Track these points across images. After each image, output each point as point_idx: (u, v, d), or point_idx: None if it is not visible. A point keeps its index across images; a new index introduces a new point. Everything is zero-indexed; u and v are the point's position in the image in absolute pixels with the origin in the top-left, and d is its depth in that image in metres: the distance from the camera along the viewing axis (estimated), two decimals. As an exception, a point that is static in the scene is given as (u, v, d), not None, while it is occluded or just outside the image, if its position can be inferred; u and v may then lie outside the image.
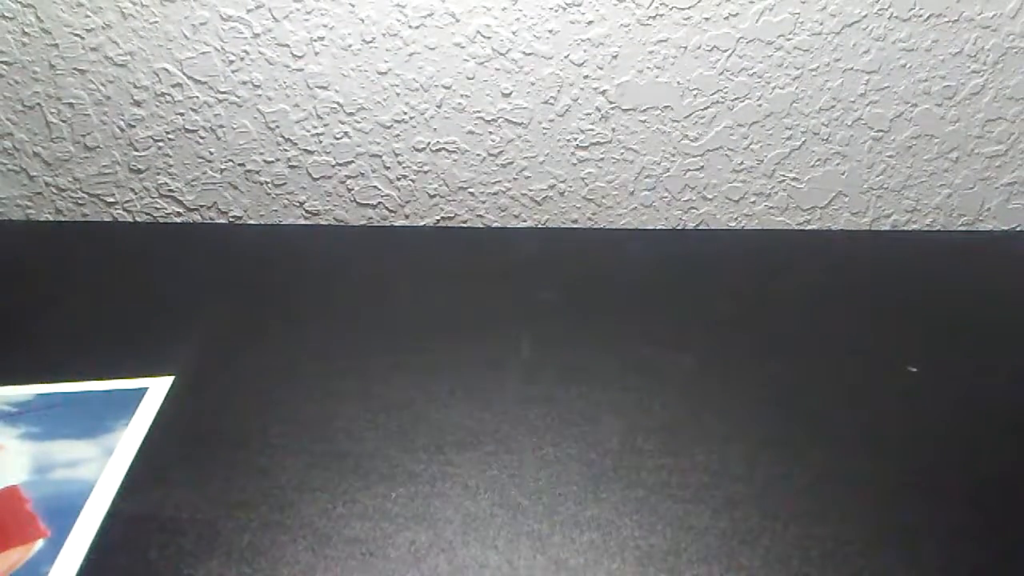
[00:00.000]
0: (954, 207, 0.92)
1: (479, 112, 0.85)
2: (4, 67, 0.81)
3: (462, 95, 0.84)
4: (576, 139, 0.86)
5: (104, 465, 0.53)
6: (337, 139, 0.85)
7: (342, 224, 0.89)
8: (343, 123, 0.84)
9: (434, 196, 0.88)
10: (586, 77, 0.84)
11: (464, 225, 0.90)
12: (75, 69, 0.81)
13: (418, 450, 0.56)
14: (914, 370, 0.66)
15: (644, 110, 0.85)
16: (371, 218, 0.89)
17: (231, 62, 0.82)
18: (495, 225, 0.90)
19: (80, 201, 0.87)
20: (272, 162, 0.86)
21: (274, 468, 0.54)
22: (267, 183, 0.87)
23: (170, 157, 0.85)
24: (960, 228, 0.93)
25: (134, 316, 0.71)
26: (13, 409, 0.58)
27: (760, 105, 0.86)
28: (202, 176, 0.86)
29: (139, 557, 0.47)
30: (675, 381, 0.64)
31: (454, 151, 0.86)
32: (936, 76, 0.85)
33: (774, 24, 0.82)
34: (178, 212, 0.88)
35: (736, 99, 0.85)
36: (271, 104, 0.83)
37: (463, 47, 0.82)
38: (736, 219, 0.91)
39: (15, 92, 0.82)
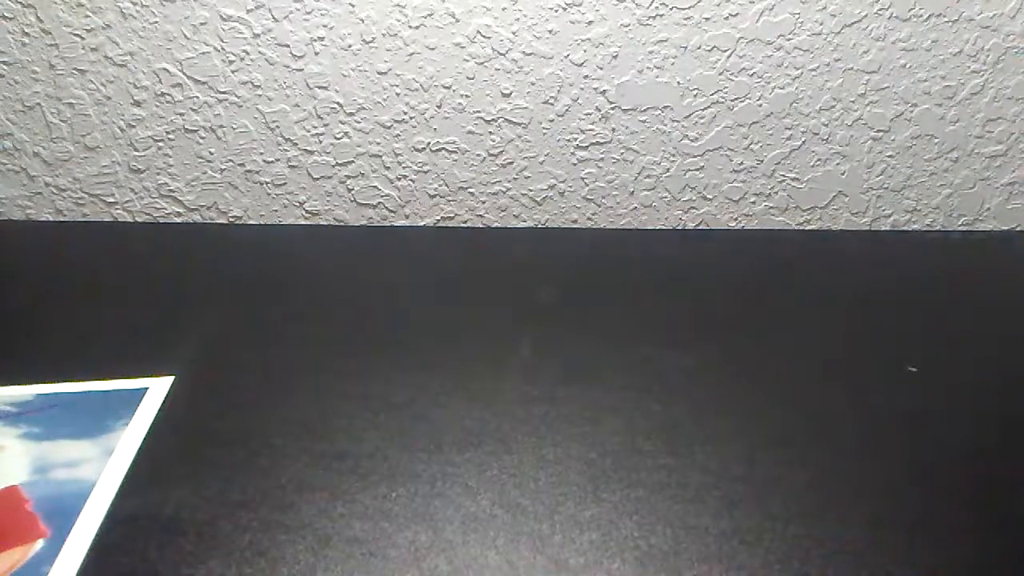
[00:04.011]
0: (954, 207, 0.92)
1: (479, 112, 0.85)
2: (4, 67, 0.81)
3: (462, 95, 0.84)
4: (576, 139, 0.86)
5: (104, 465, 0.53)
6: (337, 139, 0.85)
7: (342, 224, 0.89)
8: (343, 123, 0.84)
9: (434, 196, 0.88)
10: (586, 77, 0.84)
11: (464, 225, 0.90)
12: (75, 69, 0.81)
13: (418, 450, 0.56)
14: (914, 370, 0.66)
15: (644, 110, 0.85)
16: (371, 218, 0.89)
17: (231, 62, 0.82)
18: (495, 225, 0.90)
19: (80, 201, 0.87)
20: (272, 162, 0.86)
21: (274, 468, 0.54)
22: (267, 183, 0.87)
23: (170, 157, 0.85)
24: (960, 228, 0.93)
25: (134, 316, 0.71)
26: (13, 409, 0.58)
27: (760, 105, 0.86)
28: (202, 176, 0.86)
29: (139, 557, 0.47)
30: (675, 381, 0.64)
31: (454, 151, 0.86)
32: (936, 76, 0.85)
33: (774, 24, 0.82)
34: (178, 212, 0.88)
35: (736, 99, 0.85)
36: (271, 104, 0.83)
37: (463, 47, 0.82)
38: (736, 219, 0.91)
39: (15, 92, 0.82)
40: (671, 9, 0.81)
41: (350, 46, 0.81)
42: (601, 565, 0.47)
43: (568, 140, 0.86)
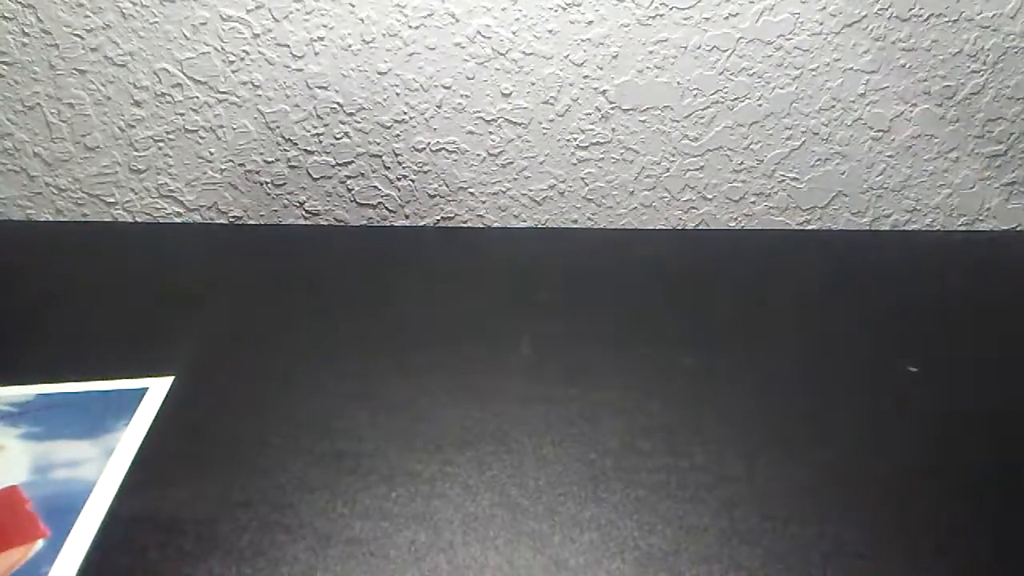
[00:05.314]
0: (954, 207, 0.92)
1: (479, 112, 0.85)
2: (4, 67, 0.81)
3: (462, 95, 0.84)
4: (576, 139, 0.86)
5: (104, 465, 0.53)
6: (337, 139, 0.85)
7: (342, 224, 0.89)
8: (343, 123, 0.84)
9: (434, 196, 0.88)
10: (586, 77, 0.84)
11: (464, 225, 0.90)
12: (75, 69, 0.81)
13: (418, 450, 0.56)
14: (914, 370, 0.66)
15: (644, 110, 0.85)
16: (371, 218, 0.89)
17: (231, 62, 0.82)
18: (495, 225, 0.90)
19: (80, 201, 0.87)
20: (272, 162, 0.86)
21: (274, 468, 0.54)
22: (267, 183, 0.87)
23: (170, 157, 0.85)
24: (960, 228, 0.93)
25: (134, 316, 0.71)
26: (13, 409, 0.58)
27: (760, 105, 0.86)
28: (202, 176, 0.86)
29: (139, 557, 0.47)
30: (675, 381, 0.64)
31: (454, 151, 0.86)
32: (936, 76, 0.85)
33: (774, 24, 0.82)
34: (178, 212, 0.88)
35: (736, 99, 0.85)
36: (271, 104, 0.83)
37: (463, 47, 0.82)
38: (736, 219, 0.91)
39: (15, 92, 0.82)
40: (671, 9, 0.81)
41: (350, 46, 0.81)
42: (601, 565, 0.47)
43: (568, 140, 0.86)
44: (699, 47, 0.83)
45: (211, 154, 0.85)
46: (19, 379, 0.61)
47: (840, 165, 0.89)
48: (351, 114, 0.84)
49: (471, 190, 0.88)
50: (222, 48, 0.81)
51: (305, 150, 0.86)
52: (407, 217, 0.89)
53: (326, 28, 0.81)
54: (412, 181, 0.87)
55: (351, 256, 0.83)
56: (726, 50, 0.83)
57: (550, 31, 0.82)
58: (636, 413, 0.60)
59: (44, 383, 0.61)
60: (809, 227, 0.92)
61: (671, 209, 0.90)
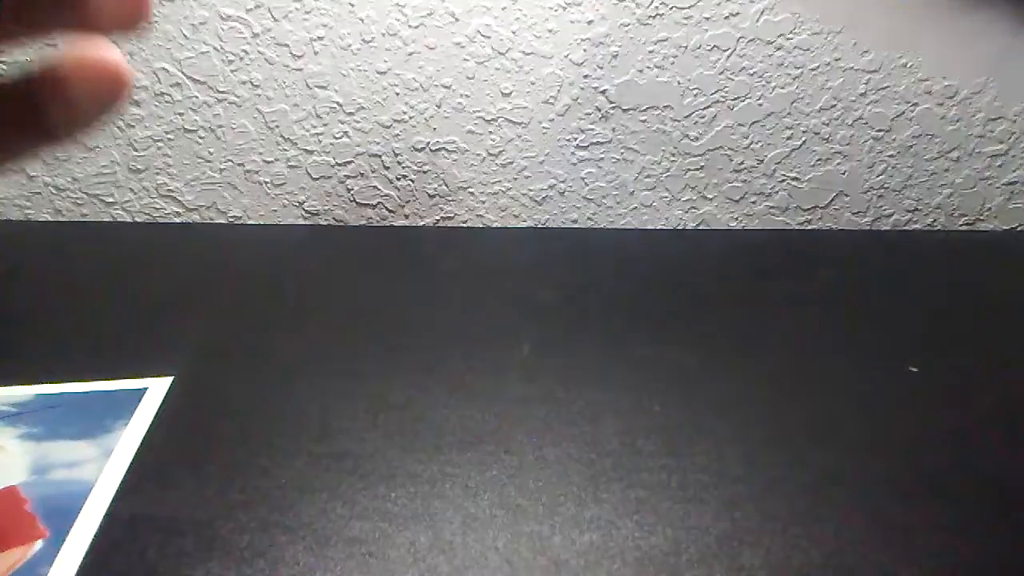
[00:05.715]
0: (955, 207, 0.91)
1: (479, 112, 0.85)
2: (3, 67, 0.81)
3: (462, 95, 0.84)
4: (576, 139, 0.86)
5: (104, 465, 0.53)
6: (337, 139, 0.85)
7: (342, 224, 0.89)
8: (343, 123, 0.84)
9: (434, 196, 0.88)
10: (586, 77, 0.84)
11: (464, 225, 0.90)
12: (75, 69, 0.81)
13: (418, 450, 0.56)
14: (914, 370, 0.66)
15: (644, 110, 0.85)
16: (371, 218, 0.89)
17: (231, 62, 0.81)
18: (495, 225, 0.90)
19: (79, 201, 0.87)
20: (272, 162, 0.86)
21: (274, 468, 0.54)
22: (267, 183, 0.87)
23: (170, 157, 0.85)
24: (960, 228, 0.92)
25: (134, 316, 0.71)
26: (13, 409, 0.58)
27: (760, 105, 0.86)
28: (202, 176, 0.86)
29: (139, 557, 0.47)
30: (675, 381, 0.64)
31: (454, 151, 0.86)
32: (937, 75, 0.85)
33: (774, 24, 0.82)
34: (178, 212, 0.88)
35: (736, 99, 0.85)
36: (271, 104, 0.83)
37: (463, 47, 0.82)
38: (736, 219, 0.91)
39: (15, 92, 0.82)
40: (671, 8, 0.81)
41: (350, 46, 0.81)
42: (601, 565, 0.47)
43: (568, 140, 0.86)
44: (699, 47, 0.83)
45: (210, 154, 0.85)
46: (19, 379, 0.61)
47: (841, 165, 0.89)
48: (351, 114, 0.84)
49: (471, 190, 0.88)
50: (221, 47, 0.81)
51: (305, 150, 0.86)
52: (407, 217, 0.89)
53: (326, 28, 0.81)
54: (412, 181, 0.87)
55: (351, 256, 0.83)
56: (726, 50, 0.83)
57: (550, 31, 0.82)
58: (636, 413, 0.60)
59: (44, 383, 0.61)
60: (810, 227, 0.92)
61: (671, 209, 0.90)
